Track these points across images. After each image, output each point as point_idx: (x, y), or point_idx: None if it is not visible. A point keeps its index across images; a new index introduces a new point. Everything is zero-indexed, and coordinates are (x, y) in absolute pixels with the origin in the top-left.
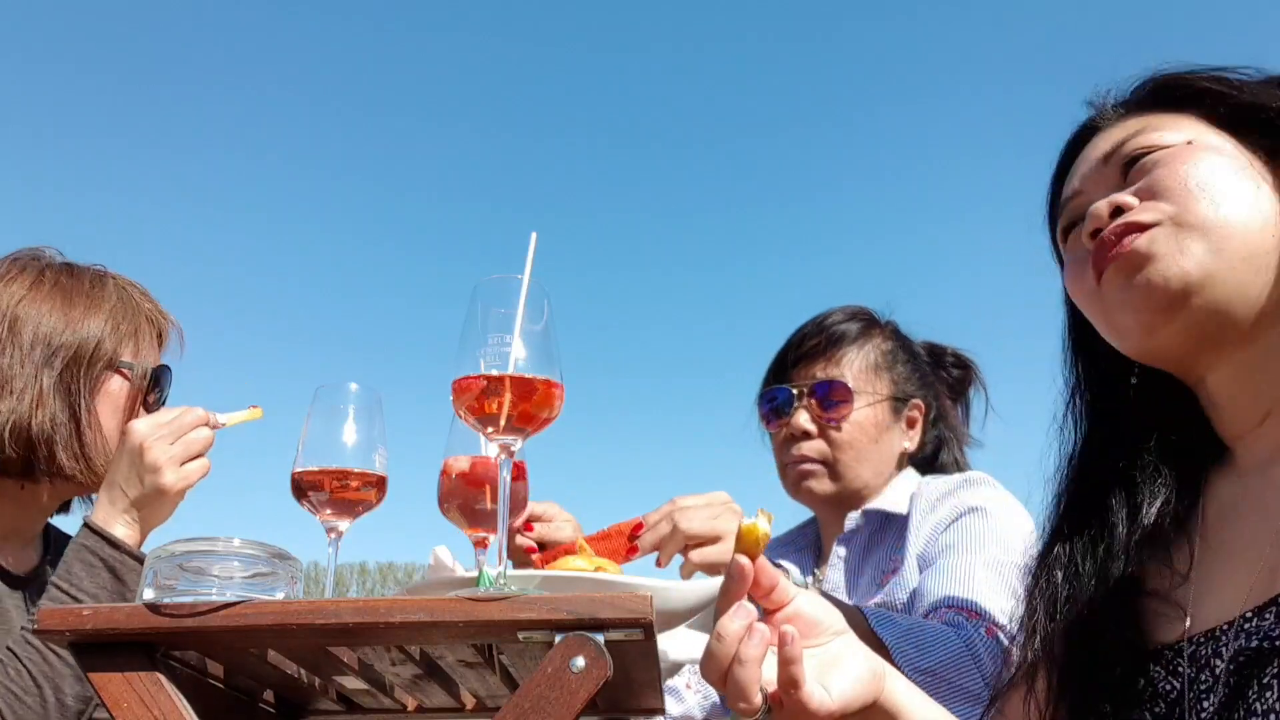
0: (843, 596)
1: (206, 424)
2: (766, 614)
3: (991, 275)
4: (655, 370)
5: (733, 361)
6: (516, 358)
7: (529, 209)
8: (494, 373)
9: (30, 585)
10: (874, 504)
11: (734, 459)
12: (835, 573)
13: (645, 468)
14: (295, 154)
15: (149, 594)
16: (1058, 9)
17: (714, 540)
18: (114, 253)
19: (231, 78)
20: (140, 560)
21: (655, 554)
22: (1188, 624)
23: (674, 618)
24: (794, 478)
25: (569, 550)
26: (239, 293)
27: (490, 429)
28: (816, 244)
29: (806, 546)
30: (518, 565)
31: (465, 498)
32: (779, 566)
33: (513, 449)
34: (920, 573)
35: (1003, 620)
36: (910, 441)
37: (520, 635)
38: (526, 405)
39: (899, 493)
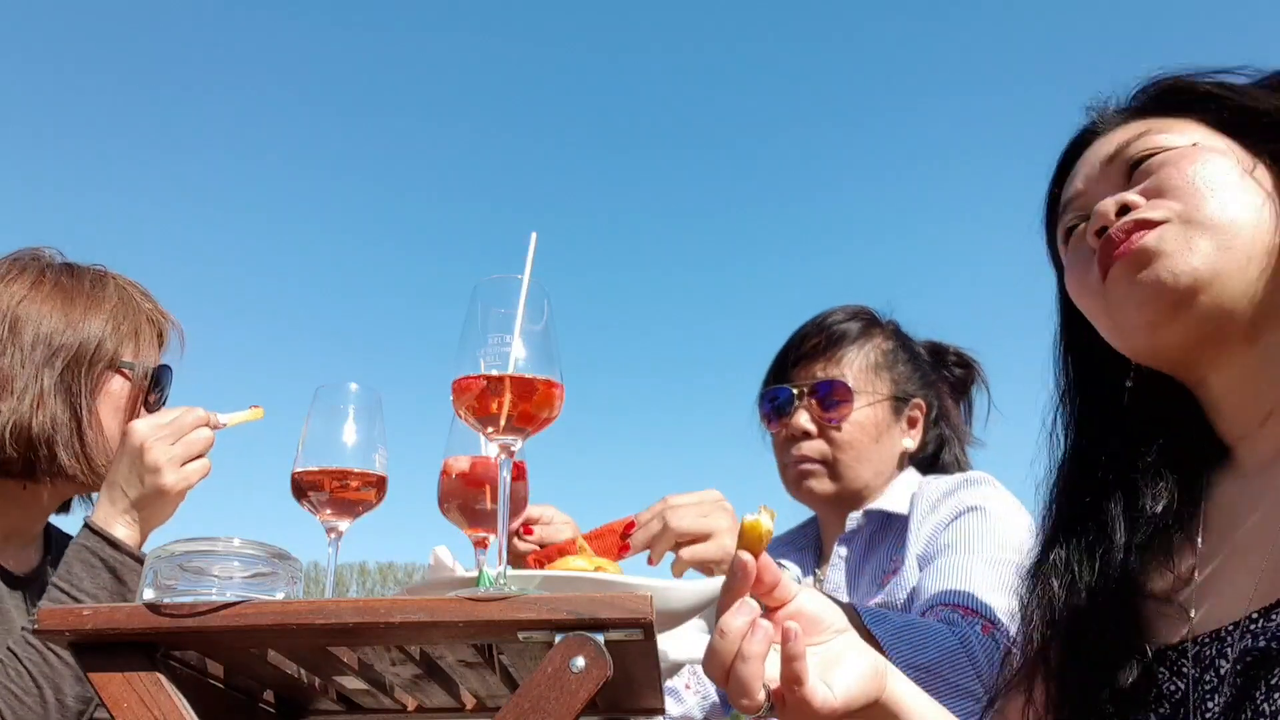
0: (843, 596)
1: (207, 424)
2: (768, 611)
3: (993, 275)
4: (655, 370)
5: (733, 362)
6: (516, 358)
7: (529, 209)
8: (494, 373)
9: (31, 585)
10: (875, 504)
11: (734, 459)
12: (836, 573)
13: (645, 468)
14: (295, 154)
15: (149, 594)
16: (1058, 10)
17: (705, 538)
18: (114, 253)
19: (231, 78)
20: (140, 560)
21: (647, 552)
22: (1191, 625)
23: (674, 618)
24: (794, 478)
25: (565, 550)
26: (239, 293)
27: (490, 429)
28: (816, 244)
29: (807, 546)
30: (517, 569)
31: (465, 498)
32: (780, 565)
33: (513, 449)
34: (920, 572)
35: (999, 618)
36: (911, 441)
37: (520, 635)
38: (526, 405)
39: (900, 493)
